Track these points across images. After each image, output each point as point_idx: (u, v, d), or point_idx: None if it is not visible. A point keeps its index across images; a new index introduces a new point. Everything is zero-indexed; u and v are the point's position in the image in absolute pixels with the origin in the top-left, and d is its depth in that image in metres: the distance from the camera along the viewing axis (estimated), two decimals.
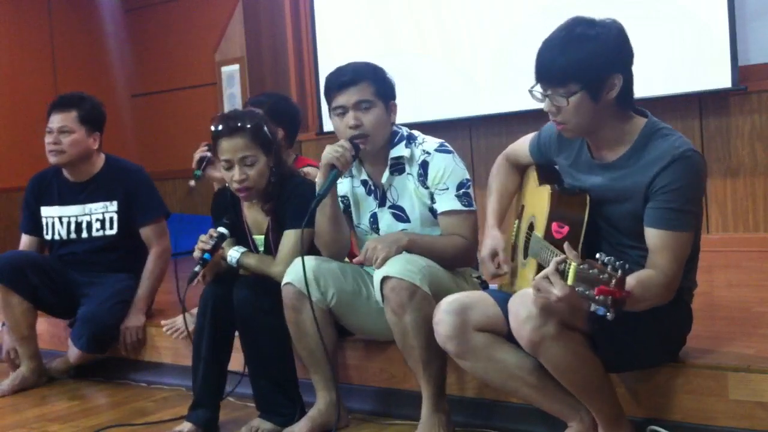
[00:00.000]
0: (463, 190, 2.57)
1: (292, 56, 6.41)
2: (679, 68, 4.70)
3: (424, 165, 2.58)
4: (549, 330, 2.01)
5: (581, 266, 1.76)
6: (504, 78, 5.21)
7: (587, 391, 2.13)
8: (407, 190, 2.62)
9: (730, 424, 2.19)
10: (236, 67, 6.48)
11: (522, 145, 2.47)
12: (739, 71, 4.52)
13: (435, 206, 2.59)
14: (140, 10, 7.32)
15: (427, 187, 2.59)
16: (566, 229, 2.04)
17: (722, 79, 4.55)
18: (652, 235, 2.04)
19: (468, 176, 2.61)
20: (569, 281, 1.78)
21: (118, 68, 7.39)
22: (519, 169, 2.51)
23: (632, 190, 2.09)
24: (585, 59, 2.00)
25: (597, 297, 1.71)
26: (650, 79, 4.68)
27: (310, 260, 2.59)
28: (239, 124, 2.70)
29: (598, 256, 1.77)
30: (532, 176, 2.42)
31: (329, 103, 2.61)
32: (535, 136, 2.41)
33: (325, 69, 5.96)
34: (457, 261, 2.57)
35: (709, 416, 2.22)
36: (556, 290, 1.84)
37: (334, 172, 2.51)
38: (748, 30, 4.57)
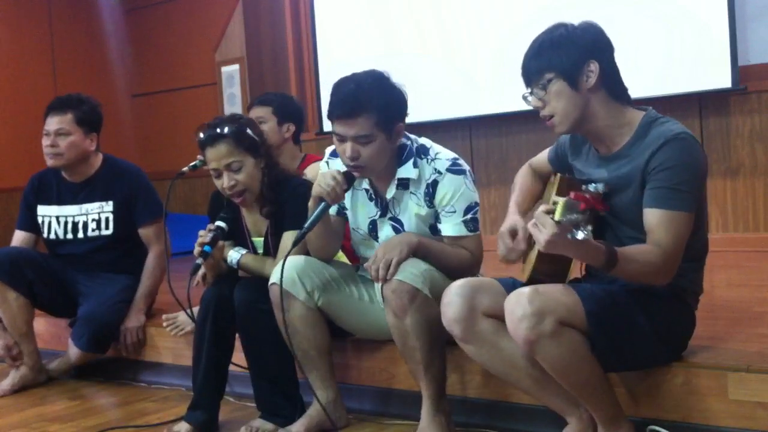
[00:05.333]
0: (470, 214, 2.51)
1: (292, 56, 6.41)
2: (679, 68, 4.70)
3: (434, 185, 2.50)
4: (545, 328, 2.01)
5: (569, 200, 1.80)
6: (504, 78, 5.20)
7: (585, 390, 2.13)
8: (408, 208, 2.56)
9: (730, 424, 2.18)
10: (236, 67, 6.48)
11: (542, 155, 2.51)
12: (739, 71, 4.52)
13: (439, 226, 2.54)
14: (140, 10, 7.33)
15: (432, 206, 2.53)
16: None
17: (722, 79, 4.56)
18: (649, 215, 2.06)
19: (477, 199, 2.54)
20: (557, 216, 1.80)
21: (118, 68, 7.40)
22: (542, 179, 2.52)
23: (632, 175, 2.11)
24: (557, 50, 2.10)
25: (581, 213, 1.76)
26: (650, 79, 4.68)
27: (295, 260, 2.56)
28: (219, 132, 2.71)
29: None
30: (550, 182, 2.45)
31: (330, 120, 2.48)
32: (554, 146, 2.45)
33: (324, 69, 5.99)
34: (459, 273, 2.48)
35: (709, 416, 2.22)
36: (545, 231, 1.85)
37: (323, 204, 2.45)
38: (748, 30, 4.57)
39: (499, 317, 2.19)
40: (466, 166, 2.55)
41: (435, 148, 2.56)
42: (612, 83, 2.14)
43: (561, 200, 1.82)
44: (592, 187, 1.80)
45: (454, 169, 2.50)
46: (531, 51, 2.15)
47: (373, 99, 2.39)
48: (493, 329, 2.21)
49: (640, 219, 2.09)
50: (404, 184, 2.54)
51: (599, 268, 1.98)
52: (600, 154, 2.22)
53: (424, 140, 2.59)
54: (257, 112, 3.42)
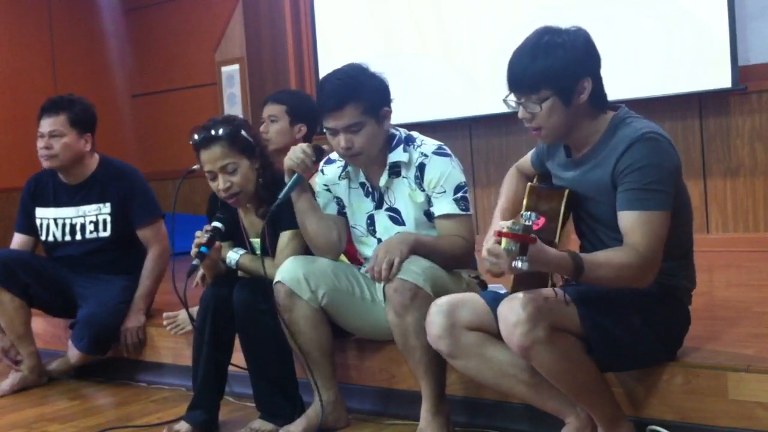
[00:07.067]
0: (460, 194, 2.57)
1: (292, 56, 6.41)
2: (679, 68, 4.70)
3: (421, 167, 2.57)
4: (539, 334, 2.01)
5: (511, 227, 1.81)
6: (504, 78, 5.18)
7: (583, 394, 2.13)
8: (403, 194, 2.62)
9: (730, 424, 2.19)
10: (236, 67, 6.47)
11: (527, 157, 2.52)
12: (739, 71, 4.51)
13: (432, 209, 2.59)
14: (140, 10, 7.33)
15: (423, 190, 2.58)
16: (542, 220, 2.06)
17: (722, 79, 4.55)
18: (623, 218, 2.06)
19: (464, 180, 2.61)
20: (503, 245, 1.82)
21: (118, 68, 7.39)
22: (528, 181, 2.52)
23: (602, 181, 2.12)
24: (554, 66, 2.07)
25: (515, 245, 1.79)
26: (650, 79, 4.68)
27: (300, 260, 2.61)
28: (213, 134, 2.70)
29: (521, 213, 1.87)
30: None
31: (321, 117, 2.58)
32: (535, 148, 2.46)
33: (325, 69, 5.96)
34: (456, 261, 2.57)
35: (709, 416, 2.22)
36: (501, 261, 1.85)
37: (296, 175, 2.57)
38: (748, 30, 4.57)
39: (481, 330, 2.23)
40: (451, 152, 2.63)
41: (421, 137, 2.67)
42: (598, 96, 2.14)
43: (505, 229, 1.83)
44: (525, 216, 1.83)
45: (440, 152, 2.60)
46: (525, 57, 2.11)
47: (357, 88, 2.51)
48: (478, 341, 2.23)
49: None
50: (396, 171, 2.61)
51: (570, 276, 1.98)
52: (571, 158, 2.23)
53: (411, 132, 2.69)
54: (270, 110, 3.39)
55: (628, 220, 2.04)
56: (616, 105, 2.21)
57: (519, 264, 1.80)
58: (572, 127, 2.15)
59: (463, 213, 2.57)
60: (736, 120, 4.63)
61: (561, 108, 2.09)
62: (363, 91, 2.52)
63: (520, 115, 2.15)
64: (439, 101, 5.50)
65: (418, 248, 2.47)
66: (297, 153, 2.60)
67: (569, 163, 2.23)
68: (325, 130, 2.58)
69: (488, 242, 1.90)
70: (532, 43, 2.11)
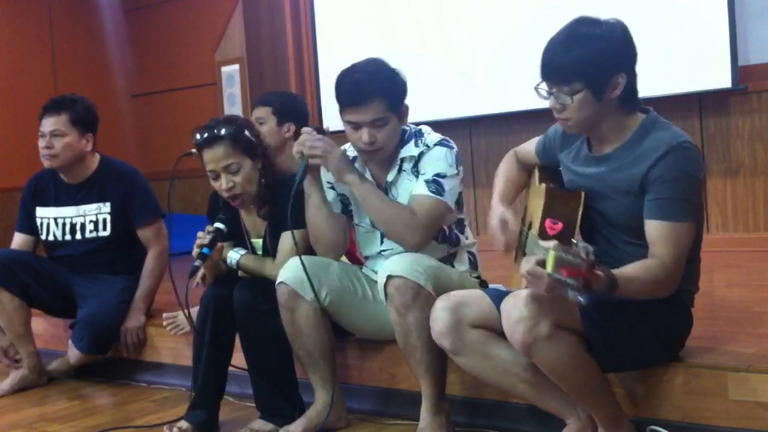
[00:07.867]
0: (436, 178, 2.53)
1: (292, 56, 6.41)
2: (679, 68, 4.70)
3: (421, 156, 2.57)
4: (541, 331, 2.01)
5: (559, 253, 1.75)
6: (504, 78, 5.21)
7: (584, 392, 2.13)
8: (406, 189, 2.61)
9: (730, 424, 2.18)
10: (236, 67, 6.48)
11: (529, 145, 2.49)
12: (739, 71, 4.52)
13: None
14: (140, 10, 7.33)
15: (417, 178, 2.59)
16: (560, 225, 2.04)
17: (722, 79, 4.56)
18: (651, 227, 2.05)
19: (453, 172, 2.55)
20: (549, 268, 1.76)
21: (118, 68, 7.39)
22: (526, 168, 2.51)
23: (627, 182, 2.10)
24: (589, 58, 2.03)
25: (569, 280, 1.73)
26: (650, 79, 4.64)
27: (303, 260, 2.59)
28: (216, 133, 2.69)
29: (573, 241, 1.79)
30: (535, 177, 2.43)
31: (340, 110, 2.55)
32: (542, 137, 2.44)
33: (324, 69, 5.99)
34: (392, 226, 2.52)
35: (709, 416, 2.22)
36: (541, 283, 1.82)
37: (303, 162, 2.54)
38: (748, 30, 4.57)
39: (486, 327, 2.22)
40: (455, 146, 2.61)
41: (429, 130, 2.66)
42: (631, 93, 2.11)
43: (551, 252, 1.75)
44: (581, 246, 1.76)
45: (442, 143, 2.59)
46: (559, 47, 2.06)
47: (382, 83, 2.50)
48: (482, 339, 2.23)
49: (635, 224, 2.08)
50: (402, 164, 2.60)
51: (603, 292, 1.94)
52: (592, 153, 2.21)
53: (420, 126, 2.68)
54: (258, 113, 3.41)
55: (656, 229, 2.03)
56: (645, 107, 2.18)
57: (580, 299, 1.75)
58: (600, 121, 2.12)
59: (429, 194, 2.52)
60: (736, 120, 4.63)
61: (592, 101, 2.06)
62: (388, 85, 2.51)
63: (550, 104, 2.13)
64: (439, 101, 5.50)
65: (354, 185, 2.52)
66: (301, 137, 2.56)
67: (591, 158, 2.21)
68: (344, 125, 2.55)
69: (528, 263, 1.84)
70: (568, 33, 2.07)
